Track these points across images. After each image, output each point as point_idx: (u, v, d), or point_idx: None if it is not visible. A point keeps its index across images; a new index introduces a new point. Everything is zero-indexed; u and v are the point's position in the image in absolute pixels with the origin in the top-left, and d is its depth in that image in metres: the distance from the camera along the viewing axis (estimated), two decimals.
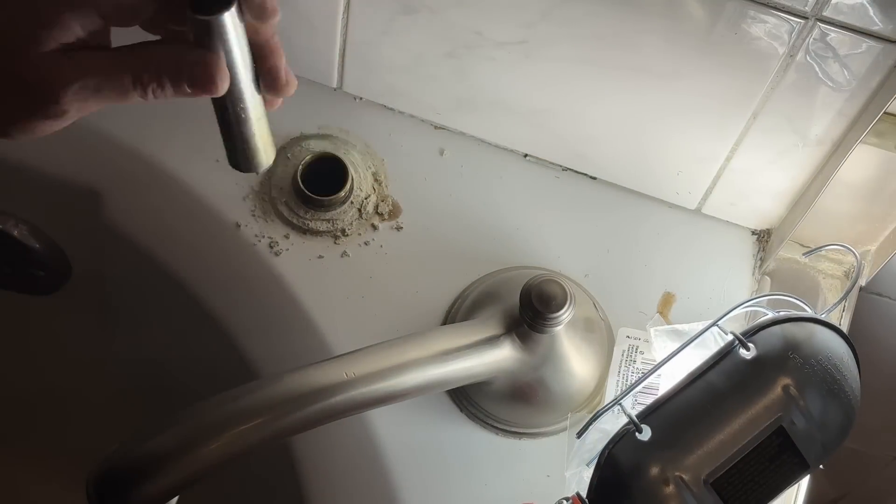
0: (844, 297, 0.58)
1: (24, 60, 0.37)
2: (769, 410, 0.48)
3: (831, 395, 0.49)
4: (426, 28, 0.63)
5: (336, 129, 0.69)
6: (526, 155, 0.70)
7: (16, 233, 0.69)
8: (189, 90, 0.38)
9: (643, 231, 0.69)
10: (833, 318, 0.57)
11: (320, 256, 0.64)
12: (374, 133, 0.69)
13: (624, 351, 0.63)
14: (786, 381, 0.49)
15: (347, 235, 0.65)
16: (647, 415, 0.50)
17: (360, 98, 0.70)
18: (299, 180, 0.64)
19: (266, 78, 0.42)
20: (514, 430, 0.61)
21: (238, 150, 0.42)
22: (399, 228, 0.66)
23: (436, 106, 0.69)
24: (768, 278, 0.67)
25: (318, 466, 0.59)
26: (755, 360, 0.50)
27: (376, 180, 0.67)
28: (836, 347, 0.51)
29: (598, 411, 0.53)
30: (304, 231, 0.65)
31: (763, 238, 0.69)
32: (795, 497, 0.61)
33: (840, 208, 0.64)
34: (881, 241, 0.66)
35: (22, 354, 0.82)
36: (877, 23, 0.53)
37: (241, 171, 0.43)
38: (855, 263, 0.63)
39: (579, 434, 0.53)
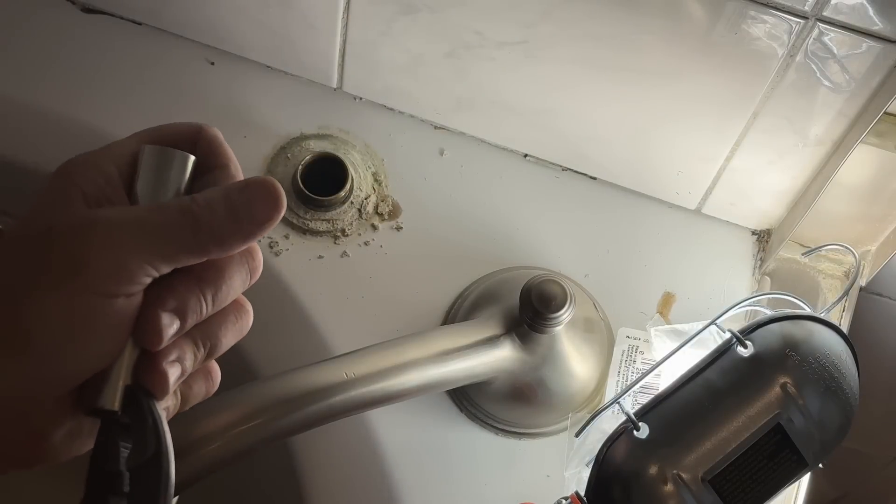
0: (844, 296, 0.58)
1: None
2: (767, 408, 0.48)
3: (830, 394, 0.49)
4: (426, 28, 0.63)
5: (336, 129, 0.69)
6: (526, 155, 0.70)
7: None
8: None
9: (643, 231, 0.69)
10: (833, 318, 0.57)
11: (320, 256, 0.64)
12: (374, 133, 0.69)
13: (624, 351, 0.63)
14: (784, 378, 0.49)
15: (347, 235, 0.65)
16: (645, 413, 0.50)
17: (360, 98, 0.70)
18: (299, 180, 0.64)
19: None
20: (514, 430, 0.61)
21: None
22: (399, 228, 0.66)
23: (436, 106, 0.69)
24: (768, 278, 0.67)
25: (318, 466, 0.59)
26: (753, 357, 0.50)
27: (376, 180, 0.67)
28: (835, 346, 0.51)
29: (596, 410, 0.53)
30: (304, 231, 0.65)
31: (763, 238, 0.69)
32: (795, 497, 0.61)
33: (840, 208, 0.64)
34: (881, 241, 0.66)
35: None
36: (877, 23, 0.53)
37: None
38: (854, 263, 0.63)
39: (577, 433, 0.53)
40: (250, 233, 0.35)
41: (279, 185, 0.35)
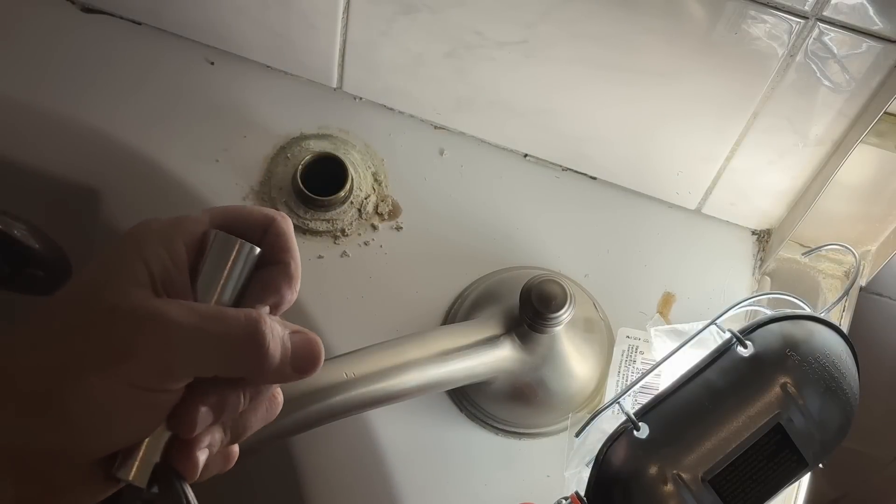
0: (844, 296, 0.58)
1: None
2: (767, 408, 0.48)
3: (830, 394, 0.49)
4: (426, 28, 0.63)
5: (336, 129, 0.69)
6: (526, 155, 0.70)
7: (16, 233, 0.69)
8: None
9: (643, 231, 0.69)
10: (833, 318, 0.57)
11: (320, 256, 0.64)
12: (374, 133, 0.69)
13: (624, 351, 0.63)
14: (784, 378, 0.49)
15: (347, 235, 0.65)
16: (645, 413, 0.50)
17: (360, 98, 0.70)
18: (299, 180, 0.64)
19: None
20: (514, 430, 0.61)
21: None
22: (399, 228, 0.66)
23: (436, 106, 0.69)
24: (768, 278, 0.67)
25: (318, 466, 0.59)
26: (753, 357, 0.50)
27: (376, 180, 0.67)
28: (835, 346, 0.51)
29: (596, 410, 0.53)
30: (304, 231, 0.65)
31: (763, 238, 0.69)
32: (795, 497, 0.61)
33: (840, 208, 0.64)
34: (881, 241, 0.66)
35: None
36: (877, 23, 0.53)
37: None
38: (854, 263, 0.63)
39: (577, 433, 0.53)
40: (287, 377, 0.36)
41: (323, 349, 0.37)
